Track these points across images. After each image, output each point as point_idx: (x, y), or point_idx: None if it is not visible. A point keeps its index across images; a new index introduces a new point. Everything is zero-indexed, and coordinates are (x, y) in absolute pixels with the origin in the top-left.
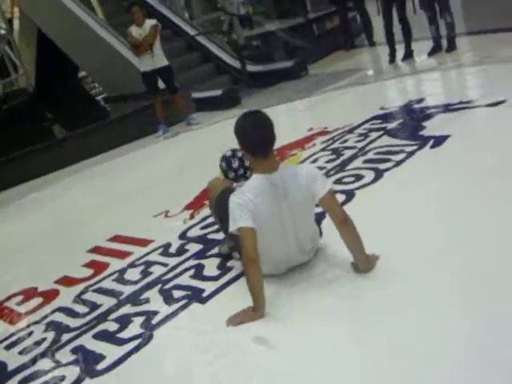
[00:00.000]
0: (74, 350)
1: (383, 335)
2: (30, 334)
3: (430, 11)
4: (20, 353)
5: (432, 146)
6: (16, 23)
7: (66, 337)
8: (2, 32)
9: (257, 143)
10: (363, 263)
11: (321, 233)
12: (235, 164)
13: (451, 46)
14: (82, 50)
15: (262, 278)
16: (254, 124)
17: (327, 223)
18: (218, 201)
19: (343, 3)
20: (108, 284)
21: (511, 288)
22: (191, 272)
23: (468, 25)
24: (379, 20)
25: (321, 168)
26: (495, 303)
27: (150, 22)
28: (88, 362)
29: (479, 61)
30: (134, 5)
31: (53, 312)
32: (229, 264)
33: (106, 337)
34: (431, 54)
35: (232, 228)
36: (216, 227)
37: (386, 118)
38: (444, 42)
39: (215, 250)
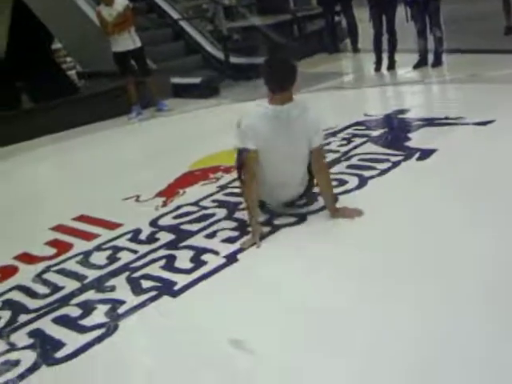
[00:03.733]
0: (32, 334)
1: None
2: None
3: (420, 24)
4: None
5: (418, 159)
6: None
7: (23, 318)
8: None
9: (274, 82)
10: (332, 210)
11: (312, 185)
12: None
13: (437, 61)
14: (60, 21)
15: (257, 193)
16: (274, 66)
17: None
18: None
19: (331, 6)
20: (72, 266)
21: None
22: (162, 262)
23: (454, 42)
24: (364, 26)
25: None
26: None
27: (121, 2)
28: (46, 347)
29: (465, 79)
30: None
31: (10, 290)
32: (203, 258)
33: (67, 322)
34: (416, 67)
35: (239, 145)
36: (189, 218)
37: (369, 124)
38: (430, 57)
39: (188, 242)
